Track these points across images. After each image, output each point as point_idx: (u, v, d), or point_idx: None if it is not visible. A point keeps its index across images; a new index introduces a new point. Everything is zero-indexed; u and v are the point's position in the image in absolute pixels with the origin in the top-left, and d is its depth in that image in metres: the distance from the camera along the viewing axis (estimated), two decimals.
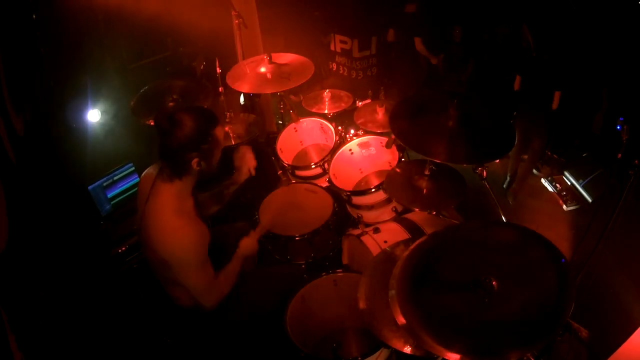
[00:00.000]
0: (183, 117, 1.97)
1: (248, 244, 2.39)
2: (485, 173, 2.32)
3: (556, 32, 3.63)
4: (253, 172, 2.63)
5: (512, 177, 4.26)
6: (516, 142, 4.17)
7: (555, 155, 4.37)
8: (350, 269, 2.74)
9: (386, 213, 2.97)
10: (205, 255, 2.09)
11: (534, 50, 3.97)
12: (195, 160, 2.01)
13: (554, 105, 3.75)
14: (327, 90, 3.85)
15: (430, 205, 2.50)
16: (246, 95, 4.06)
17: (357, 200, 2.98)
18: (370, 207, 2.96)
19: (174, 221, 1.99)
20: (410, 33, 4.99)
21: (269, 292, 2.44)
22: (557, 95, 3.69)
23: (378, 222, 2.89)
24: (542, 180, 4.28)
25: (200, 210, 2.23)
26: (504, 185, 4.31)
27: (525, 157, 4.24)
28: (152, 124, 2.84)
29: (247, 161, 2.61)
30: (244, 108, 4.14)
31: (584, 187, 4.02)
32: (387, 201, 2.91)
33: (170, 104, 3.32)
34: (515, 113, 4.10)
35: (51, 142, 3.14)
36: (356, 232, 2.75)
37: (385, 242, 2.57)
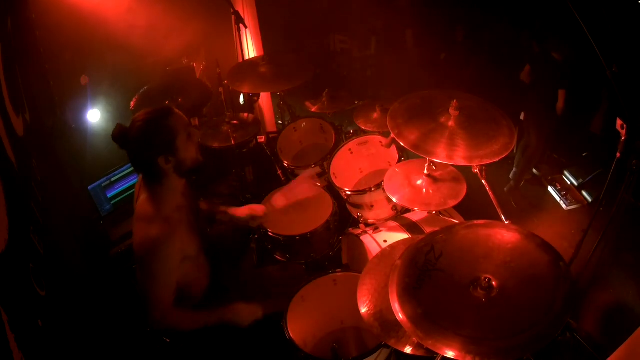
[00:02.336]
0: (131, 125, 1.95)
1: (243, 313, 2.17)
2: (484, 172, 2.32)
3: (563, 30, 3.60)
4: (241, 223, 2.60)
5: (518, 169, 4.27)
6: (522, 138, 4.17)
7: (555, 155, 4.37)
8: (350, 269, 2.74)
9: (386, 212, 2.97)
10: (169, 270, 1.97)
11: (538, 47, 3.96)
12: (161, 158, 1.94)
13: (559, 105, 3.72)
14: (327, 90, 3.85)
15: (430, 205, 2.49)
16: (246, 95, 4.07)
17: (357, 199, 2.98)
18: (370, 207, 2.96)
19: (148, 229, 1.94)
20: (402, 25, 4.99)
21: (269, 292, 2.44)
22: (561, 93, 3.66)
23: (378, 222, 2.89)
24: (542, 180, 4.28)
25: (193, 214, 2.20)
26: (510, 176, 4.32)
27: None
28: None
29: (257, 218, 2.58)
30: (244, 108, 4.15)
31: (584, 187, 4.02)
32: (387, 201, 2.92)
33: (168, 102, 3.33)
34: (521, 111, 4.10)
35: (51, 142, 3.15)
36: (356, 231, 2.75)
37: (385, 241, 2.57)
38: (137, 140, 1.93)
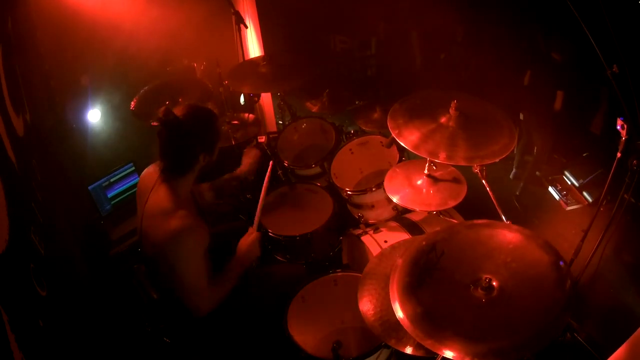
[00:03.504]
0: (188, 114, 2.00)
1: (247, 248, 2.28)
2: (484, 172, 2.32)
3: (564, 30, 3.61)
4: (251, 176, 2.73)
5: (518, 170, 4.29)
6: (521, 138, 4.19)
7: (555, 155, 4.37)
8: (351, 269, 2.74)
9: (387, 213, 2.97)
10: (201, 257, 2.04)
11: (544, 48, 3.96)
12: (203, 155, 2.05)
13: (557, 105, 3.73)
14: (327, 91, 3.85)
15: (430, 205, 2.49)
16: (246, 96, 4.06)
17: (357, 199, 2.98)
18: (371, 207, 2.96)
19: (175, 220, 1.96)
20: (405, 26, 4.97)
21: (269, 292, 2.44)
22: (559, 94, 3.66)
23: (378, 222, 2.89)
24: (543, 180, 4.28)
25: (200, 209, 2.23)
26: (511, 177, 4.33)
27: (528, 157, 4.26)
28: (154, 124, 2.87)
29: (253, 157, 2.73)
30: (244, 108, 4.15)
31: (584, 187, 4.01)
32: (388, 201, 2.92)
33: (168, 103, 3.33)
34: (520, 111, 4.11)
35: (51, 142, 3.15)
36: (356, 231, 2.75)
37: (386, 241, 2.57)
38: (195, 131, 2.00)
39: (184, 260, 1.98)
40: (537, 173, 4.30)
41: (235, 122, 3.49)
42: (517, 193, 4.15)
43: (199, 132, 2.02)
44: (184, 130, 1.99)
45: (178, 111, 2.01)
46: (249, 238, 2.31)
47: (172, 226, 1.95)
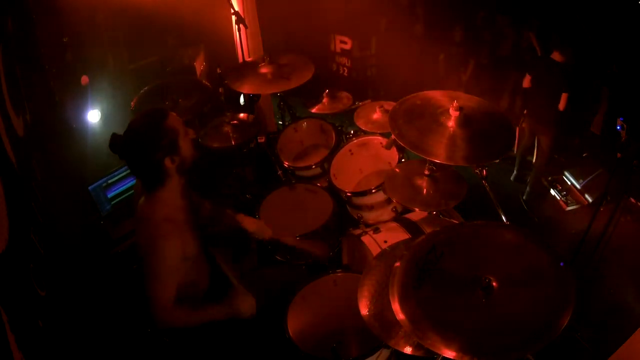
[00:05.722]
0: (129, 131, 1.94)
1: (243, 305, 2.18)
2: (485, 172, 2.32)
3: (566, 33, 3.63)
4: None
5: (519, 171, 4.30)
6: (522, 140, 4.20)
7: (555, 156, 4.38)
8: (351, 269, 2.74)
9: (386, 213, 2.96)
10: (173, 268, 1.98)
11: (540, 50, 3.98)
12: (167, 159, 1.96)
13: (561, 106, 3.75)
14: (327, 91, 3.85)
15: (430, 205, 2.49)
16: (246, 96, 4.07)
17: (357, 200, 2.98)
18: (371, 208, 2.96)
19: (153, 228, 1.96)
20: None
21: (269, 292, 2.44)
22: (564, 96, 3.68)
23: (378, 222, 2.89)
24: (543, 181, 4.29)
25: (193, 214, 2.22)
26: (512, 178, 4.34)
27: (530, 158, 4.28)
28: None
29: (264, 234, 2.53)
30: (244, 108, 4.15)
31: (584, 187, 4.02)
32: (388, 201, 2.91)
33: (168, 103, 3.33)
34: (525, 112, 4.12)
35: (51, 142, 3.14)
36: (356, 232, 2.75)
37: (385, 242, 2.56)
38: (143, 145, 1.93)
39: (155, 267, 1.95)
40: (538, 174, 4.31)
41: (235, 122, 3.49)
42: (524, 197, 4.15)
43: (147, 141, 1.92)
44: (132, 148, 1.93)
45: (125, 131, 1.95)
46: (251, 303, 2.20)
47: (149, 234, 1.95)
